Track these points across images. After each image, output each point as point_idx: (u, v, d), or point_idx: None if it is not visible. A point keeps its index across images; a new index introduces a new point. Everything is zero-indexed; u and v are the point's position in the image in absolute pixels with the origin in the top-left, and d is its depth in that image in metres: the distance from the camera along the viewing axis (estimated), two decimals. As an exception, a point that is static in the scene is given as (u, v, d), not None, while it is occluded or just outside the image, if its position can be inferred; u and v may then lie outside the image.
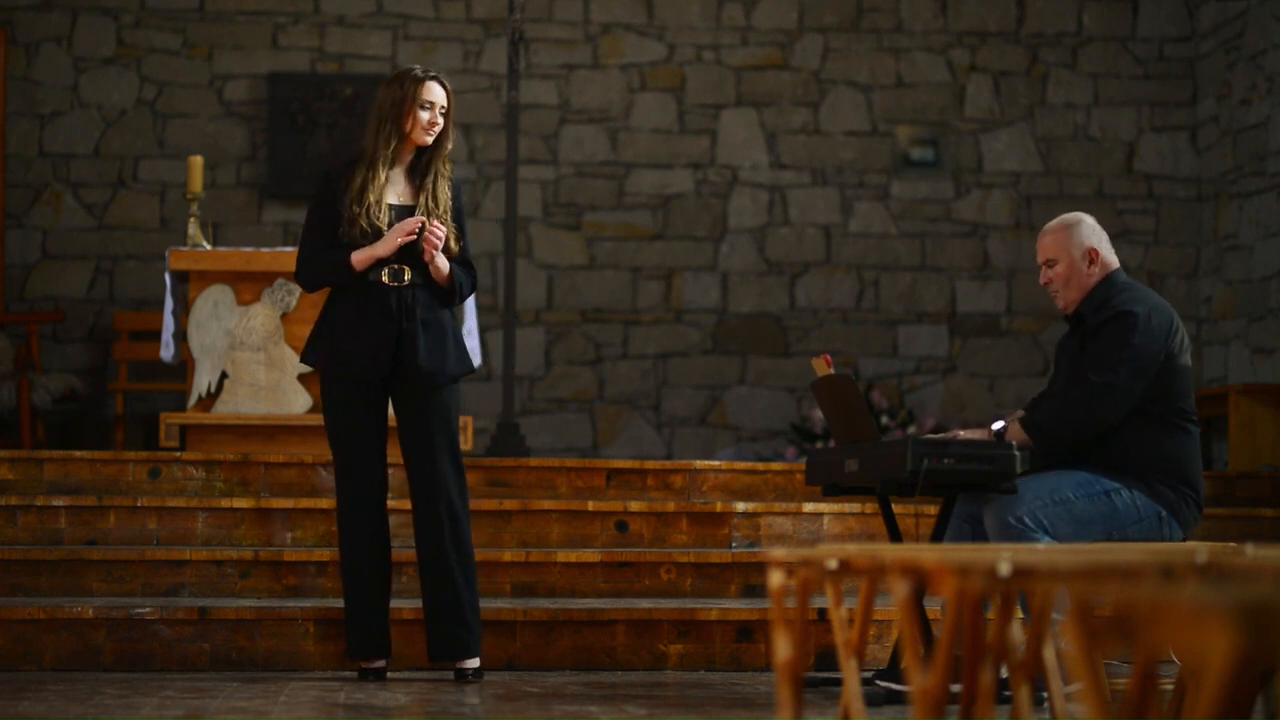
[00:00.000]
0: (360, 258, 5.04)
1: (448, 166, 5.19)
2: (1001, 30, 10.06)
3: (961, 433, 4.85)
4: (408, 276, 5.07)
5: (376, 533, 5.14)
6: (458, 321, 5.31)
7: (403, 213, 5.11)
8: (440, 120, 5.11)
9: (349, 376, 5.09)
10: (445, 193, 5.15)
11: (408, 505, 5.47)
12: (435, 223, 5.04)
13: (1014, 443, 4.68)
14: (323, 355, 5.13)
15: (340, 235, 5.07)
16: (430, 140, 5.11)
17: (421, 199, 5.12)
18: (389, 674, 5.24)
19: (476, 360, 6.37)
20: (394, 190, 5.14)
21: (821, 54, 10.00)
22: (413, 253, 5.08)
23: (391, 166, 5.13)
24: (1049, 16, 10.08)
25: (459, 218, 5.19)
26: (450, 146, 5.19)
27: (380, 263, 5.06)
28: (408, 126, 5.09)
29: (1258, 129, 9.26)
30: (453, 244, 5.13)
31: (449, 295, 5.16)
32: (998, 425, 4.89)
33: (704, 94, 9.95)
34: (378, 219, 5.05)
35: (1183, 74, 10.07)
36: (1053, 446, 4.82)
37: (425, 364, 5.07)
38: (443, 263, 5.09)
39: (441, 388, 5.12)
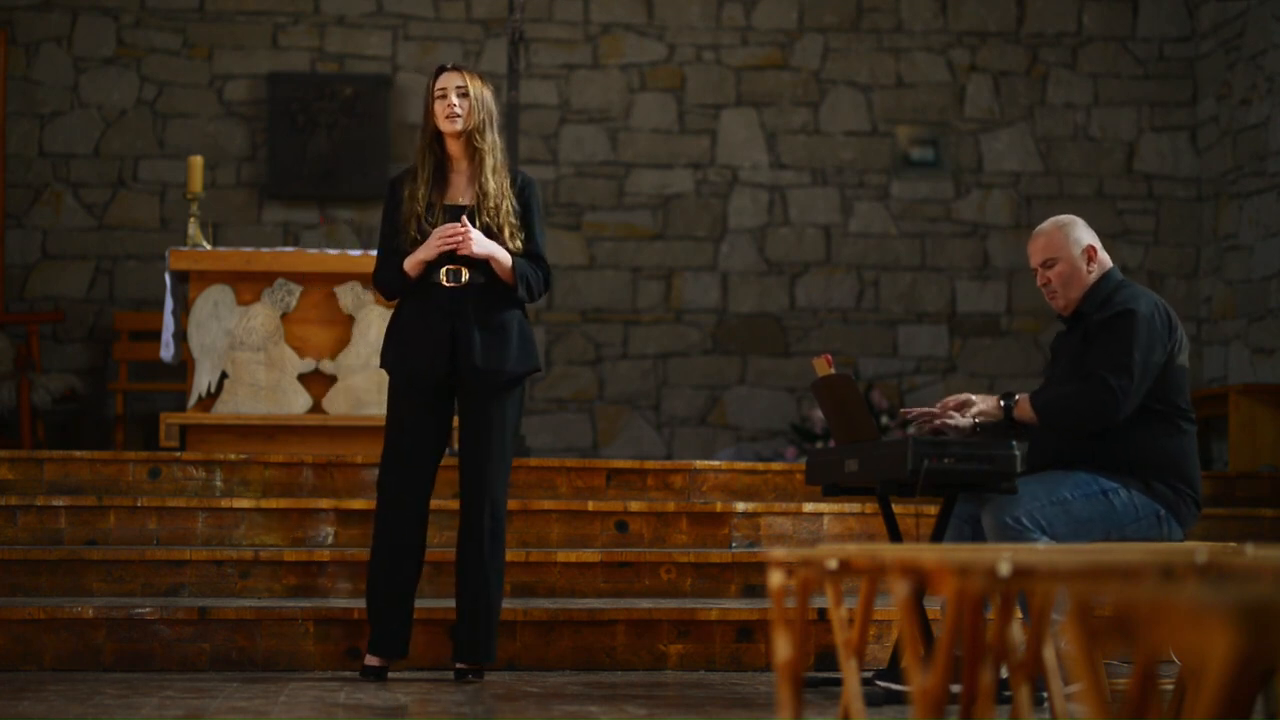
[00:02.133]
0: (408, 263, 5.08)
1: (496, 156, 5.13)
2: (1001, 30, 10.06)
3: (976, 400, 4.84)
4: (465, 276, 5.07)
5: (412, 533, 5.12)
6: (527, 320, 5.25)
7: (457, 212, 5.11)
8: (458, 102, 5.10)
9: (409, 377, 5.12)
10: (494, 183, 5.12)
11: (436, 505, 5.48)
12: (463, 224, 5.03)
13: (1016, 416, 4.73)
14: (388, 357, 5.18)
15: (400, 242, 5.12)
16: (457, 127, 5.10)
17: (474, 189, 5.14)
18: (389, 674, 5.24)
19: None
20: (454, 191, 5.17)
21: (821, 54, 10.00)
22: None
23: (443, 170, 5.16)
24: (1049, 16, 10.08)
25: (527, 213, 5.17)
26: (489, 135, 5.12)
27: (438, 264, 5.07)
28: (434, 123, 5.12)
29: (1258, 129, 9.26)
30: (509, 239, 5.12)
31: (514, 293, 5.14)
32: (979, 406, 4.87)
33: (704, 94, 9.95)
34: (429, 223, 5.08)
35: (1183, 74, 10.07)
36: (1050, 432, 4.80)
37: (482, 363, 5.07)
38: (502, 255, 5.07)
39: (503, 388, 5.12)
